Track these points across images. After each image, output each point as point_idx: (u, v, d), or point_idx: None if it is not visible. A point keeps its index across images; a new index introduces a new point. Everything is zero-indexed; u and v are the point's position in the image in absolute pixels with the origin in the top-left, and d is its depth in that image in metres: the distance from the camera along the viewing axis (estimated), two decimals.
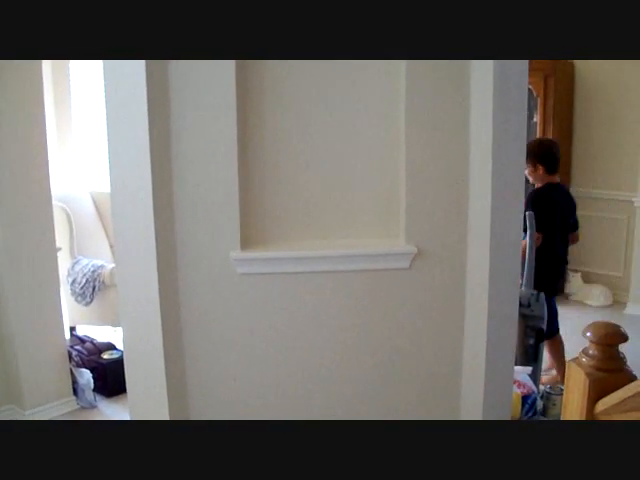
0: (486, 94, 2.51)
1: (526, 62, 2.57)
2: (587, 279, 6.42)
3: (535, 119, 6.05)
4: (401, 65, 2.57)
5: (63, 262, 4.83)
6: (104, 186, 5.40)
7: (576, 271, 6.42)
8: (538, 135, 6.09)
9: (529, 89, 4.61)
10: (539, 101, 5.99)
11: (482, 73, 2.51)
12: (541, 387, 3.74)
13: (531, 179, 4.50)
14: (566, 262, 4.82)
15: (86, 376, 4.27)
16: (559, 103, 6.05)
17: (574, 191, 6.29)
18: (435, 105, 2.61)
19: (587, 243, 6.33)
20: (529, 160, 4.25)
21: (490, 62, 2.46)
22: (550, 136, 6.07)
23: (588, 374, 1.69)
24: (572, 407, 1.76)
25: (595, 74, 6.19)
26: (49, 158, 3.98)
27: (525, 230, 3.93)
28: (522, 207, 2.73)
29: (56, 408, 4.07)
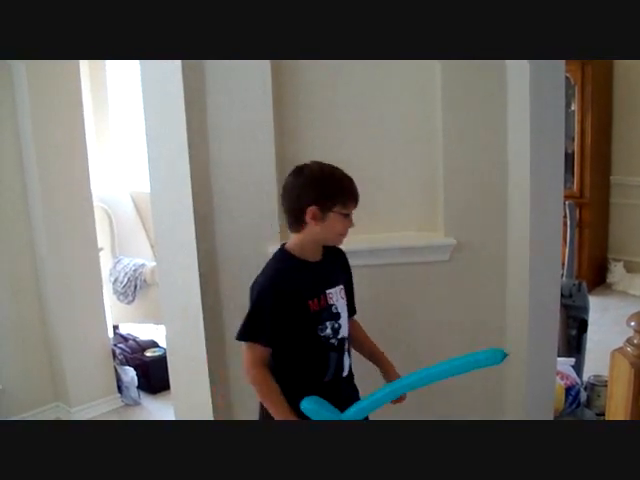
0: (523, 86, 2.49)
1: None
2: (630, 268, 6.31)
3: (573, 108, 5.95)
4: (437, 62, 2.56)
5: (105, 262, 4.89)
6: (144, 186, 5.46)
7: (618, 260, 6.32)
8: (577, 124, 5.94)
9: (566, 77, 4.53)
10: (577, 89, 5.88)
11: (518, 66, 2.49)
12: (584, 378, 3.70)
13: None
14: None
15: (130, 374, 4.32)
16: (597, 91, 5.93)
17: (614, 180, 6.20)
18: (472, 98, 2.60)
19: (628, 231, 6.23)
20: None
21: None
22: (589, 125, 5.93)
23: (633, 364, 1.67)
24: (617, 398, 1.74)
25: (634, 61, 6.07)
26: (89, 159, 4.03)
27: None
28: (562, 197, 2.71)
29: (101, 405, 4.12)
